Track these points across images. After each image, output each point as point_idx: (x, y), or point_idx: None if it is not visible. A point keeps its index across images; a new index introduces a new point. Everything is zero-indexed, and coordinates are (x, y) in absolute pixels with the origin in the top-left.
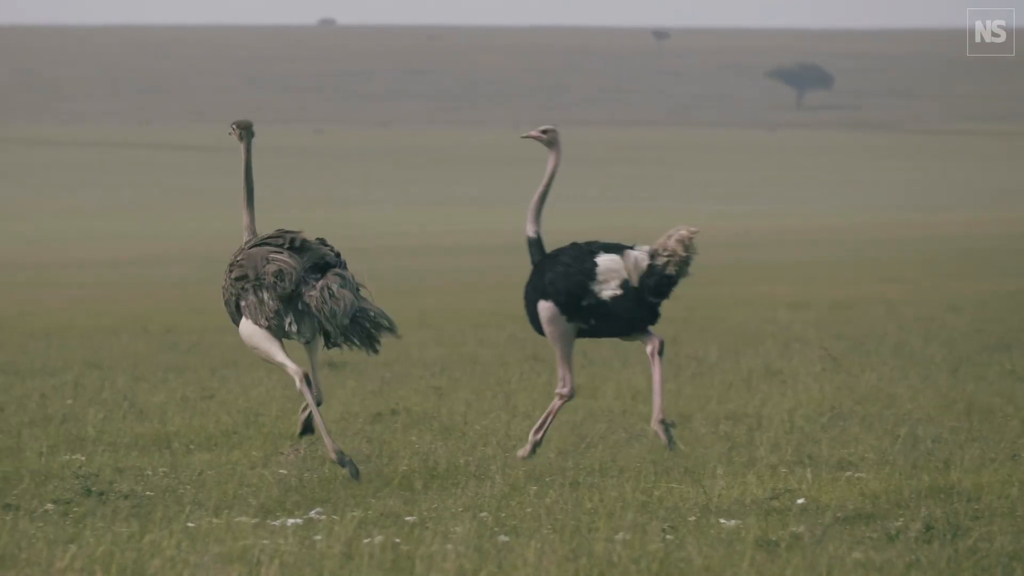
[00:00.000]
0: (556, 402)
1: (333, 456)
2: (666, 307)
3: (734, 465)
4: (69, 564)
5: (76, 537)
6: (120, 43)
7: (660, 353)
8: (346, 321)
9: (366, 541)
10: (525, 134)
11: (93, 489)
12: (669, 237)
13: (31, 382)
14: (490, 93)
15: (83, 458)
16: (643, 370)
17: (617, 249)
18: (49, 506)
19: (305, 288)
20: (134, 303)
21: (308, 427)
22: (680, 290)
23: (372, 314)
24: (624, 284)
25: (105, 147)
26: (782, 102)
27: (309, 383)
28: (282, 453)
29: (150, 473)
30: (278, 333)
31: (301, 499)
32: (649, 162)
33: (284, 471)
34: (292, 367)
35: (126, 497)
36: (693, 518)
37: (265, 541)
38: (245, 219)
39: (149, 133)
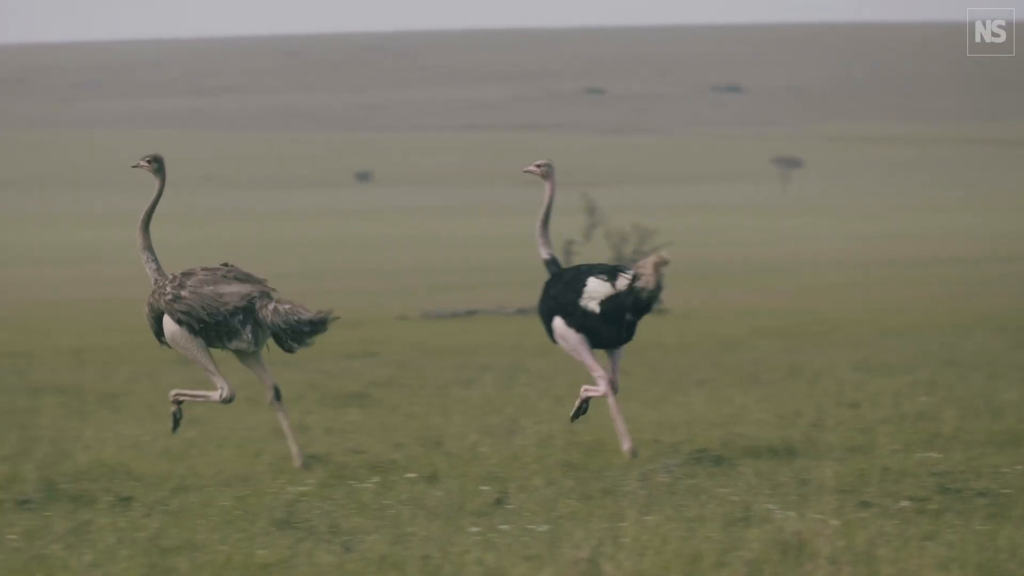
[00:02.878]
0: (601, 387)
1: None
2: None
3: None
4: (924, 561)
5: (932, 535)
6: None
7: (614, 391)
8: None
9: None
10: (525, 168)
11: (949, 487)
12: (646, 263)
13: (885, 379)
14: None
15: (939, 455)
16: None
17: (611, 272)
18: (904, 503)
19: None
20: (989, 300)
21: None
22: None
23: None
24: (603, 302)
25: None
26: None
27: None
28: None
29: (1006, 471)
30: None
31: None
32: None
33: None
34: None
35: (982, 495)
36: None
37: None
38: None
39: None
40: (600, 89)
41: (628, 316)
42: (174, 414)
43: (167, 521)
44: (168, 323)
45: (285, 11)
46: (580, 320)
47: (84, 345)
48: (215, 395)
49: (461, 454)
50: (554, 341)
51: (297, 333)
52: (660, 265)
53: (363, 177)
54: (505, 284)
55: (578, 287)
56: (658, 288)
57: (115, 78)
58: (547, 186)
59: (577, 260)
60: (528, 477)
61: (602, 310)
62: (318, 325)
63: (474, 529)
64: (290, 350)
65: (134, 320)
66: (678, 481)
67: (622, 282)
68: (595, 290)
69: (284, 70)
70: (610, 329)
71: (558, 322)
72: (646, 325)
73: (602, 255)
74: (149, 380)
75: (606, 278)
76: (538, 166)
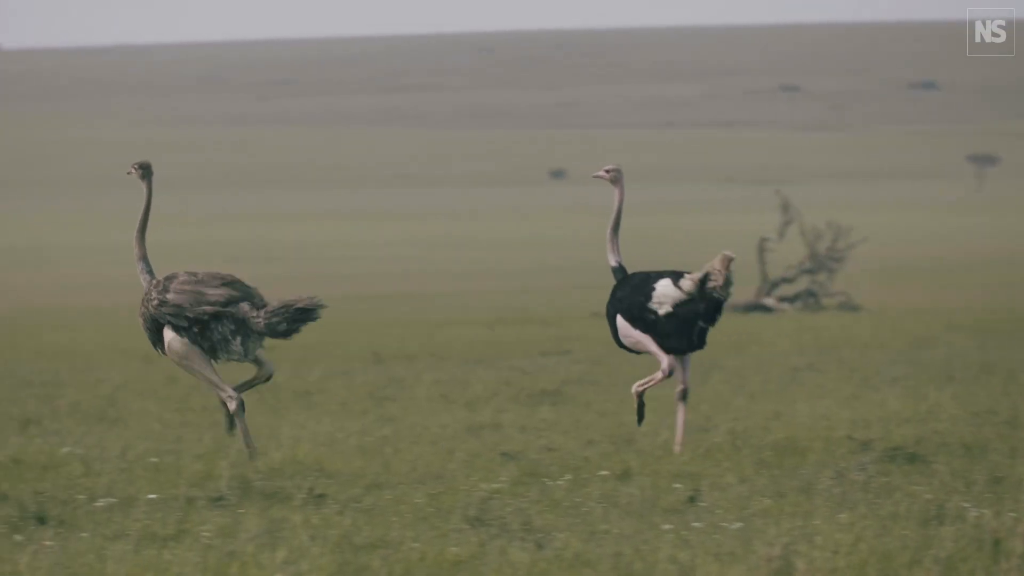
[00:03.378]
0: (658, 375)
1: None
2: None
3: None
4: None
5: None
6: None
7: (683, 399)
8: None
9: None
10: (594, 174)
11: None
12: (714, 262)
13: None
14: None
15: None
16: None
17: (674, 276)
18: None
19: None
20: None
21: None
22: None
23: None
24: (676, 305)
25: None
26: None
27: None
28: None
29: None
30: None
31: None
32: None
33: None
34: None
35: None
36: None
37: None
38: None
39: None
40: (795, 86)
41: (700, 323)
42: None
43: (360, 518)
44: (167, 333)
45: (480, 8)
46: (650, 325)
47: (279, 343)
48: (228, 405)
49: (653, 451)
50: (619, 344)
51: (293, 321)
52: (728, 262)
53: (557, 175)
54: None
55: (647, 290)
56: (728, 284)
57: (310, 76)
58: (616, 192)
59: (771, 258)
60: (721, 474)
61: (674, 313)
62: (309, 312)
63: (667, 527)
64: (287, 335)
65: (328, 318)
66: (872, 479)
67: (688, 284)
68: (665, 294)
69: (478, 68)
70: (682, 335)
71: (622, 323)
72: (839, 323)
73: (796, 252)
74: (343, 378)
75: (674, 281)
76: (607, 171)
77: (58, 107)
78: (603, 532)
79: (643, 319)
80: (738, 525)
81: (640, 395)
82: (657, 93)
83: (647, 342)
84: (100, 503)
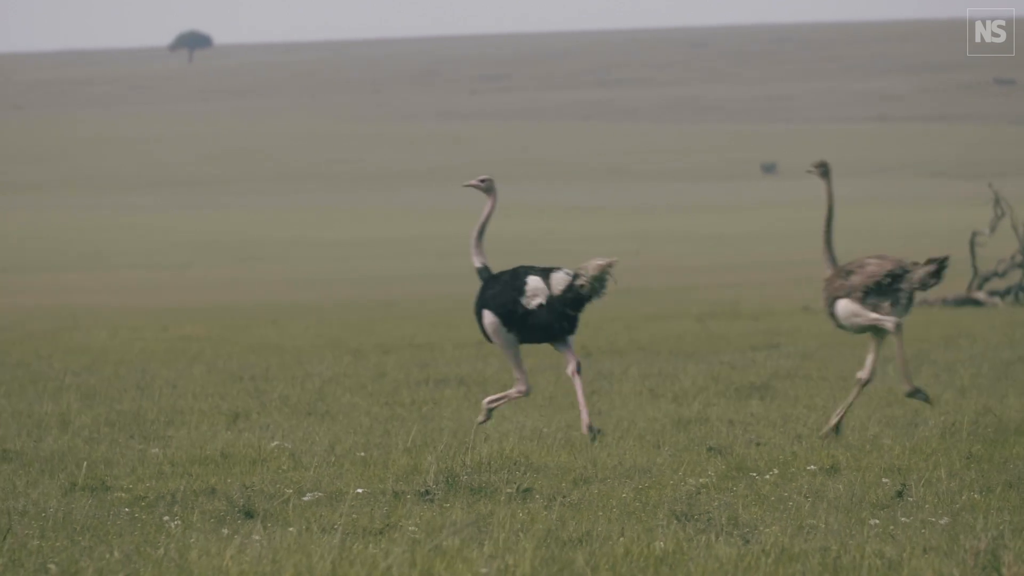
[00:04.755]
0: (512, 392)
1: None
2: None
3: None
4: None
5: None
6: None
7: (579, 372)
8: None
9: None
10: (465, 183)
11: None
12: (587, 265)
13: None
14: None
15: None
16: None
17: (544, 272)
18: None
19: None
20: None
21: None
22: None
23: None
24: (548, 298)
25: None
26: None
27: None
28: None
29: None
30: None
31: None
32: None
33: None
34: None
35: None
36: None
37: None
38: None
39: None
40: (1010, 80)
41: (569, 311)
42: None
43: (566, 513)
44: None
45: (694, 3)
46: (521, 319)
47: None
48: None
49: (862, 446)
50: (488, 339)
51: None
52: (606, 268)
53: (769, 169)
54: None
55: (519, 285)
56: (600, 284)
57: (521, 70)
58: (488, 200)
59: (982, 252)
60: (930, 469)
61: (544, 306)
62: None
63: (874, 521)
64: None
65: None
66: None
67: (559, 281)
68: (537, 288)
69: (691, 61)
70: (551, 326)
71: (491, 318)
72: None
73: (1008, 247)
74: (551, 372)
75: (544, 278)
76: (481, 180)
77: (270, 102)
78: (810, 527)
79: (514, 313)
80: (946, 520)
81: (490, 410)
82: (869, 87)
83: (512, 355)
84: (307, 497)
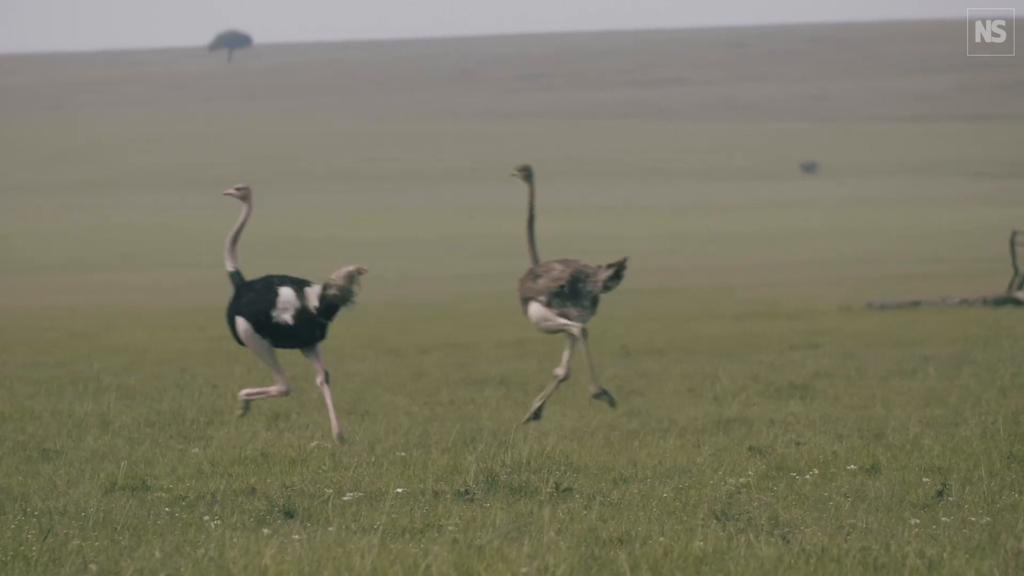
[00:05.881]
0: (272, 390)
1: None
2: None
3: None
4: None
5: None
6: None
7: (327, 382)
8: None
9: None
10: (225, 191)
11: None
12: (336, 275)
13: None
14: None
15: None
16: None
17: (297, 284)
18: None
19: None
20: None
21: None
22: None
23: None
24: (297, 311)
25: None
26: None
27: None
28: None
29: None
30: None
31: None
32: None
33: None
34: None
35: None
36: None
37: None
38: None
39: None
40: None
41: (320, 320)
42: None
43: (607, 512)
44: None
45: (732, 2)
46: (273, 328)
47: (526, 337)
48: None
49: (903, 446)
50: (240, 342)
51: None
52: (355, 275)
53: (809, 168)
54: (949, 275)
55: (271, 297)
56: (350, 294)
57: (559, 70)
58: (244, 207)
59: (1022, 252)
60: (971, 469)
61: (296, 317)
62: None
63: (915, 521)
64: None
65: None
66: None
67: (312, 295)
68: (288, 300)
69: (730, 61)
70: (301, 335)
71: (244, 324)
72: None
73: None
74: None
75: (296, 290)
76: (237, 189)
77: (309, 101)
78: (850, 527)
79: (267, 323)
80: (987, 519)
81: (247, 402)
82: (908, 86)
83: (267, 358)
84: (347, 497)
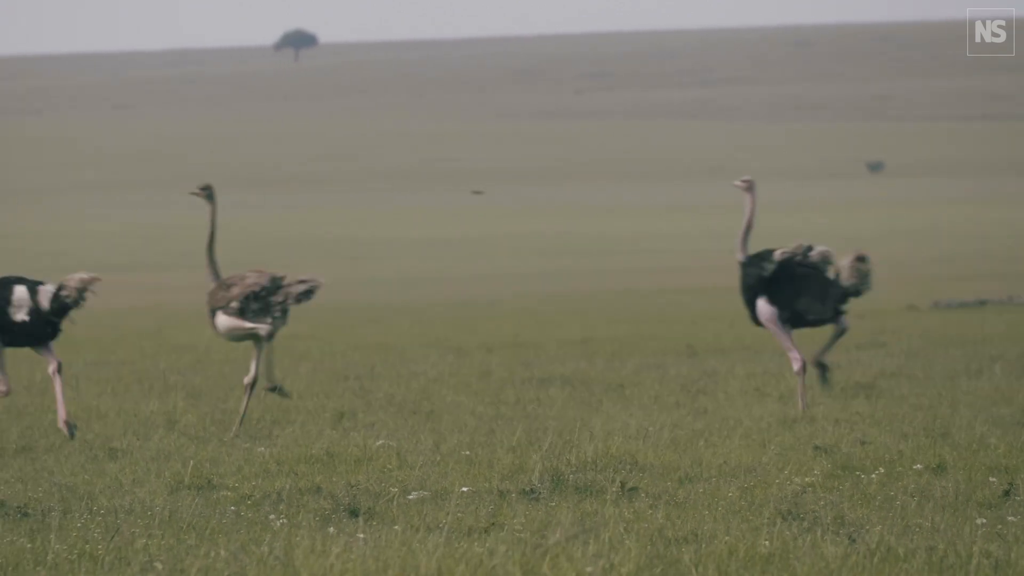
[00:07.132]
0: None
1: None
2: None
3: None
4: None
5: None
6: None
7: (59, 372)
8: None
9: None
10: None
11: None
12: (71, 278)
13: None
14: None
15: None
16: None
17: (31, 284)
18: None
19: None
20: None
21: None
22: None
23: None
24: (31, 311)
25: None
26: None
27: None
28: None
29: None
30: None
31: None
32: None
33: None
34: None
35: None
36: None
37: None
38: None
39: None
40: None
41: (53, 319)
42: None
43: (672, 512)
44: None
45: (797, 2)
46: (8, 326)
47: (592, 336)
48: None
49: (969, 445)
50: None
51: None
52: (88, 283)
53: (875, 167)
54: (1015, 275)
55: (7, 295)
56: (81, 298)
57: (625, 69)
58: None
59: None
60: None
61: (28, 316)
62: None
63: (981, 521)
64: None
65: (641, 311)
66: None
67: (44, 296)
68: (22, 299)
69: (795, 60)
70: (33, 334)
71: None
72: None
73: None
74: (656, 371)
75: (30, 289)
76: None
77: (375, 101)
78: (916, 526)
79: (2, 320)
80: None
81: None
82: (974, 85)
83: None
84: (412, 496)
